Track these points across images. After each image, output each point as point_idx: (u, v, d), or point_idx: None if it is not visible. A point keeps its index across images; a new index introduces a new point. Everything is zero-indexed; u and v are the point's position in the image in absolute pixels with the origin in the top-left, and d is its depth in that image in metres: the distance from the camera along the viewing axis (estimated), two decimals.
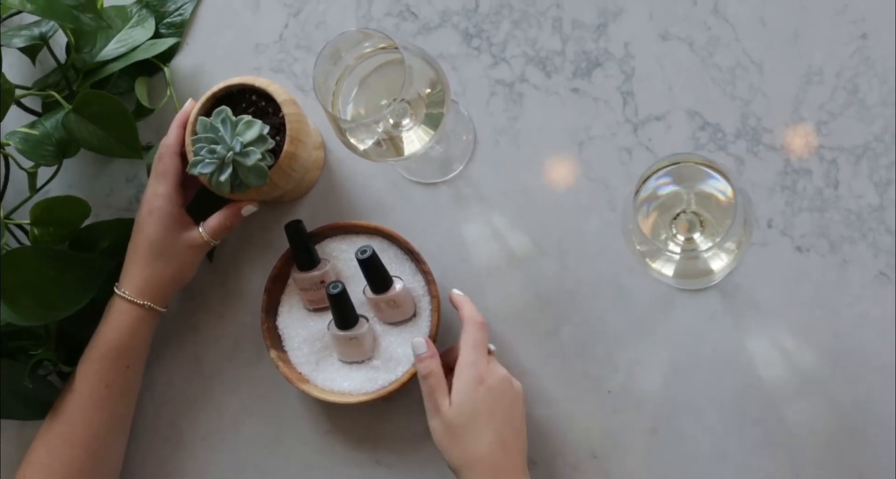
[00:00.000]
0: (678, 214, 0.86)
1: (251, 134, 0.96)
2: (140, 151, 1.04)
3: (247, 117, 0.97)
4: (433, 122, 0.91)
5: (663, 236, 0.86)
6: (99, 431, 1.00)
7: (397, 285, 0.99)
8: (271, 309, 1.04)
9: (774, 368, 0.96)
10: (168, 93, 1.10)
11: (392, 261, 1.01)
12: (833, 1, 0.99)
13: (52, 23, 1.07)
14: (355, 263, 1.00)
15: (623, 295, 1.00)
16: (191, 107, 1.01)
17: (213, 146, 0.96)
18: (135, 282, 1.00)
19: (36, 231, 1.00)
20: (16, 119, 1.08)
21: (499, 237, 1.03)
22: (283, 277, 1.04)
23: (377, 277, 0.98)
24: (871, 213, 0.96)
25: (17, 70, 1.14)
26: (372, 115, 0.92)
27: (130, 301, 1.00)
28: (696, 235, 0.86)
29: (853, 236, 0.96)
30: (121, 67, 1.07)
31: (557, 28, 1.04)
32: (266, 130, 0.97)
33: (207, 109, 1.00)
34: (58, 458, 0.99)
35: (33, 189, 1.05)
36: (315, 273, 1.01)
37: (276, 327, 1.04)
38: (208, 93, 1.00)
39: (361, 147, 0.91)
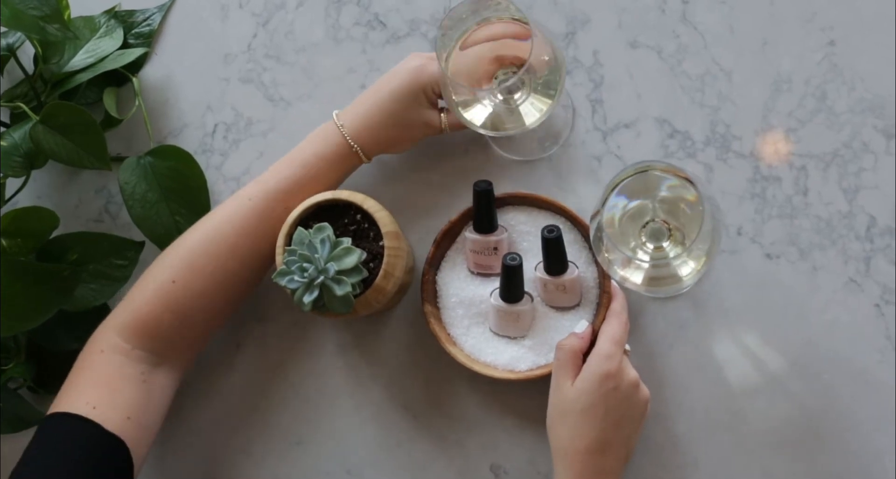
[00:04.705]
0: (647, 223, 0.86)
1: (348, 262, 0.91)
2: (108, 162, 1.03)
3: (347, 242, 0.92)
4: (546, 92, 0.89)
5: (632, 245, 0.86)
6: (262, 249, 0.95)
7: (572, 272, 0.96)
8: (435, 262, 1.01)
9: (745, 375, 0.96)
10: (137, 103, 1.09)
11: (570, 245, 0.97)
12: (802, 9, 0.99)
13: (18, 33, 1.06)
14: (531, 236, 0.99)
15: None
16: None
17: (305, 265, 0.91)
18: (356, 123, 0.96)
19: (4, 242, 0.99)
20: None
21: None
22: (453, 233, 1.01)
23: (556, 259, 0.94)
24: (841, 219, 0.96)
25: None
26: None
27: (342, 135, 0.95)
28: (666, 244, 0.86)
29: (823, 243, 0.96)
30: (89, 78, 1.07)
31: None
32: (363, 257, 0.93)
33: (309, 215, 0.96)
34: (213, 258, 0.94)
35: (1, 200, 1.04)
36: (491, 238, 0.98)
37: (435, 282, 1.01)
38: (314, 199, 0.95)
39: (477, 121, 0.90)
